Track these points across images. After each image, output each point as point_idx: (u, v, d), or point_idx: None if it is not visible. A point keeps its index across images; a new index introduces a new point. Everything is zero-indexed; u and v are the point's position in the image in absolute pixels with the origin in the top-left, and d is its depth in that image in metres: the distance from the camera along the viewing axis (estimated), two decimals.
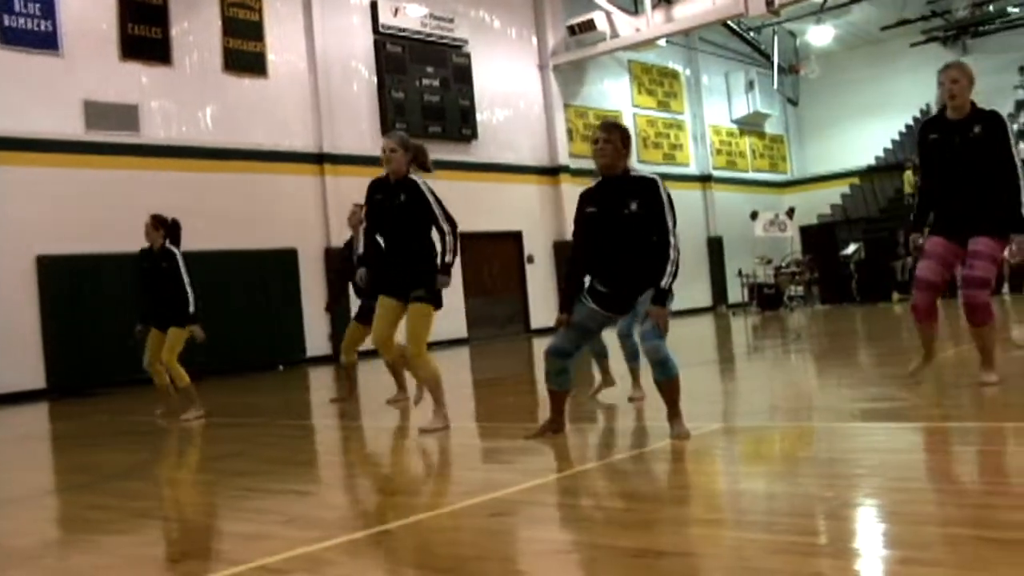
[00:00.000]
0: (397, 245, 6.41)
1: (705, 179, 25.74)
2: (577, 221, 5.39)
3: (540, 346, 16.18)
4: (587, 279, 5.44)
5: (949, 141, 5.88)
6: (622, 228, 5.13)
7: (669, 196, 5.16)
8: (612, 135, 5.18)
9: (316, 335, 16.37)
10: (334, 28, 17.47)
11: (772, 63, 27.08)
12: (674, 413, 5.19)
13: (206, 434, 7.79)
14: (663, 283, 5.07)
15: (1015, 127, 23.95)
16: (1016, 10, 24.39)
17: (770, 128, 28.64)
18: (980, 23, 25.04)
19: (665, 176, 20.49)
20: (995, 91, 24.78)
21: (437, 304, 6.35)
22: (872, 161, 26.92)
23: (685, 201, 23.92)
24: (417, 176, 6.39)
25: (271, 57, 16.52)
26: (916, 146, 6.24)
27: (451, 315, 17.74)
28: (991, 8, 24.58)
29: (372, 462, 6.07)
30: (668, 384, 5.16)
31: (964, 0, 24.33)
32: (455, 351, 16.64)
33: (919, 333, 6.30)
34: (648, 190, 5.13)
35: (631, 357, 6.85)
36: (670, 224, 5.10)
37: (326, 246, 16.72)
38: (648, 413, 6.23)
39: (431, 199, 6.29)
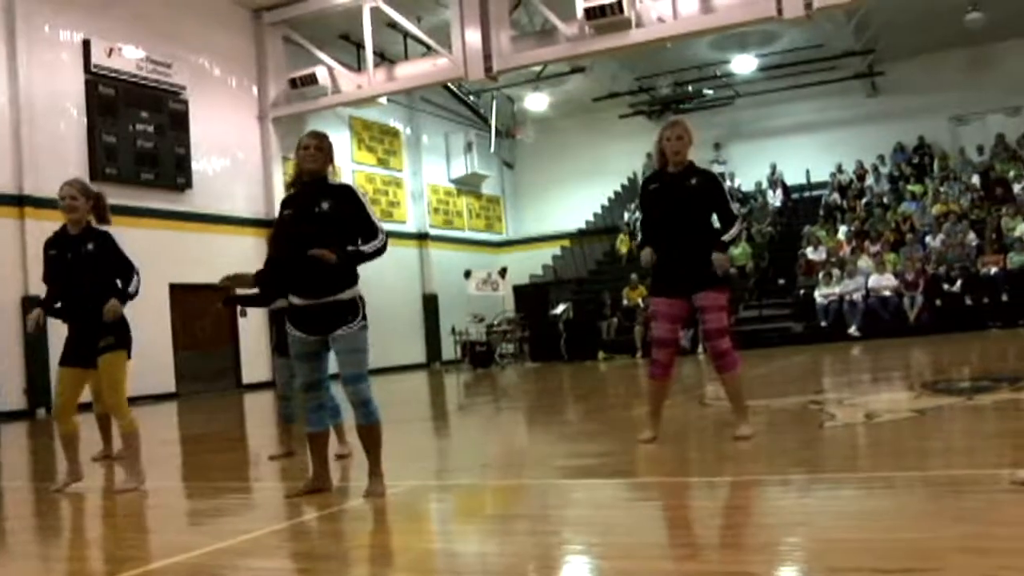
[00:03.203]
0: (82, 300, 6.33)
1: (422, 237, 27.22)
2: (276, 224, 5.64)
3: (252, 401, 16.82)
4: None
5: (668, 191, 6.37)
6: (315, 228, 5.28)
7: (364, 197, 5.47)
8: (323, 142, 5.44)
9: (11, 388, 16.15)
10: (41, 64, 17.44)
11: (490, 126, 29.13)
12: (374, 466, 5.32)
13: None
14: (366, 247, 5.33)
15: None
16: (711, 92, 27.52)
17: (487, 189, 30.63)
18: (681, 100, 28.02)
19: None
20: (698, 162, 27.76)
21: (127, 348, 6.39)
22: (583, 224, 29.27)
23: (401, 258, 25.36)
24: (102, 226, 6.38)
25: None
26: (639, 198, 6.75)
27: (159, 369, 18.07)
28: (690, 88, 27.56)
29: (48, 527, 5.68)
30: (370, 429, 5.31)
31: (667, 79, 27.15)
32: (162, 406, 16.81)
33: (652, 394, 6.65)
34: (343, 193, 5.41)
35: (332, 414, 6.74)
36: (376, 222, 5.37)
37: (24, 295, 16.38)
38: (354, 473, 6.29)
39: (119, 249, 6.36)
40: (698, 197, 6.34)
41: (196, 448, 10.06)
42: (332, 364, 5.49)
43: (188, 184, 19.84)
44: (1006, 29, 23.95)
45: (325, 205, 5.29)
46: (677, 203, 6.33)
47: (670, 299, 6.43)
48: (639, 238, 6.76)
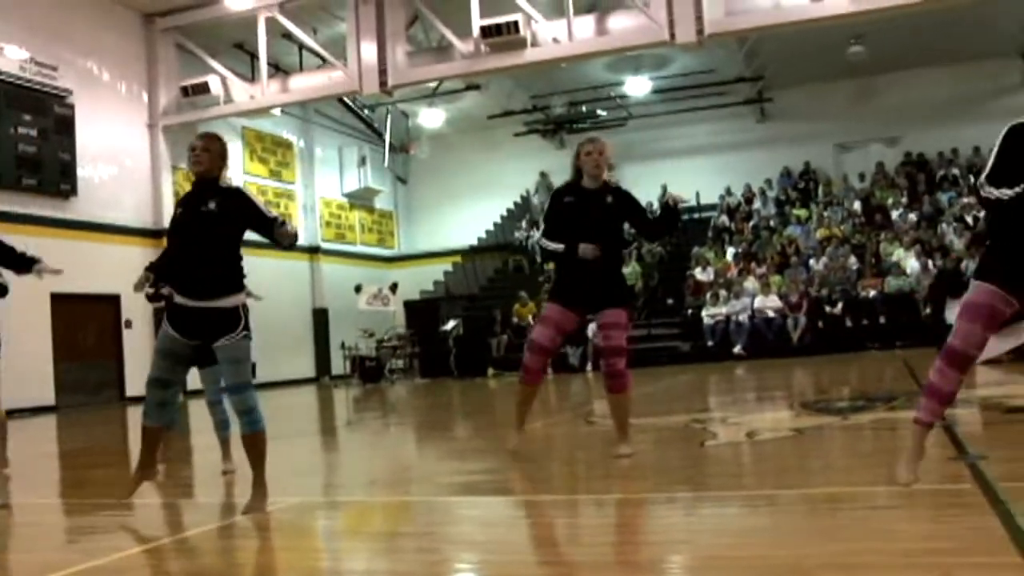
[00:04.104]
0: None
1: (313, 251, 27.02)
2: (171, 224, 5.53)
3: (135, 414, 16.39)
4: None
5: (585, 207, 6.35)
6: (200, 227, 5.26)
7: (255, 197, 5.43)
8: (212, 144, 5.41)
9: None
10: None
11: (385, 141, 29.07)
12: (258, 478, 5.26)
13: None
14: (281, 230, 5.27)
15: None
16: (605, 113, 27.90)
17: (380, 203, 30.54)
18: (575, 120, 28.35)
19: (274, 246, 21.31)
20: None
21: None
22: (475, 241, 29.39)
23: (292, 272, 25.14)
24: None
25: None
26: (548, 208, 6.62)
27: (38, 380, 17.56)
28: (584, 108, 27.91)
29: None
30: (253, 438, 5.26)
31: (561, 99, 27.46)
32: (41, 419, 16.37)
33: (521, 398, 6.67)
34: (232, 193, 5.35)
35: (222, 426, 6.94)
36: (274, 214, 5.32)
37: None
38: (237, 489, 6.16)
39: None
40: (615, 216, 6.42)
41: (74, 463, 9.78)
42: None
43: (73, 191, 19.39)
44: (886, 63, 24.84)
45: (212, 204, 5.24)
46: (594, 220, 6.33)
47: (566, 308, 6.43)
48: (544, 249, 6.59)
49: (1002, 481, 4.59)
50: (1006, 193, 4.08)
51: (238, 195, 5.37)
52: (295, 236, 5.36)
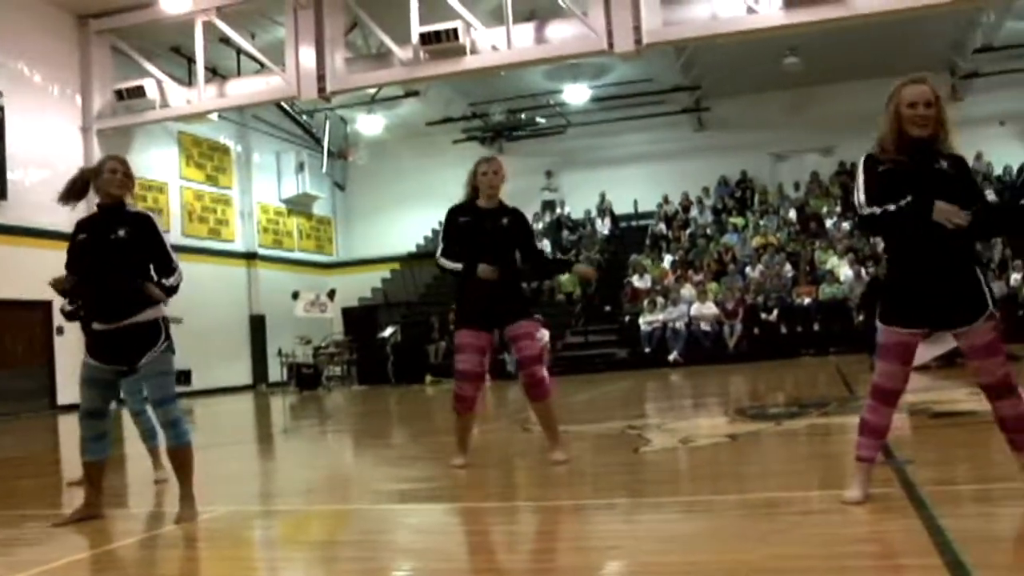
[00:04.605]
0: None
1: (250, 257, 26.79)
2: (70, 249, 5.40)
3: (67, 423, 16.16)
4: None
5: (481, 226, 6.41)
6: (109, 253, 5.20)
7: (161, 229, 5.37)
8: (129, 168, 5.38)
9: None
10: None
11: (323, 147, 28.90)
12: (185, 490, 5.23)
13: None
14: (167, 281, 5.27)
15: (541, 224, 27.38)
16: (544, 120, 28.04)
17: (318, 210, 30.37)
18: (514, 128, 28.45)
19: (210, 252, 21.47)
20: (526, 191, 28.26)
21: None
22: (413, 248, 29.32)
23: (229, 278, 24.94)
24: None
25: None
26: (443, 227, 6.67)
27: None
28: (523, 116, 28.01)
29: None
30: (180, 452, 5.26)
31: (500, 106, 27.53)
32: None
33: (460, 425, 6.67)
34: (141, 222, 5.30)
35: (148, 436, 6.93)
36: (174, 257, 5.32)
37: None
38: (167, 498, 6.08)
39: None
40: (511, 235, 6.48)
41: (1, 473, 9.49)
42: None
43: (3, 195, 19.08)
44: (821, 75, 25.25)
45: (122, 232, 5.19)
46: (490, 239, 6.40)
47: (477, 331, 6.46)
48: (443, 268, 6.62)
49: (927, 485, 4.71)
50: (889, 207, 4.19)
51: (147, 224, 5.33)
52: (175, 291, 5.32)
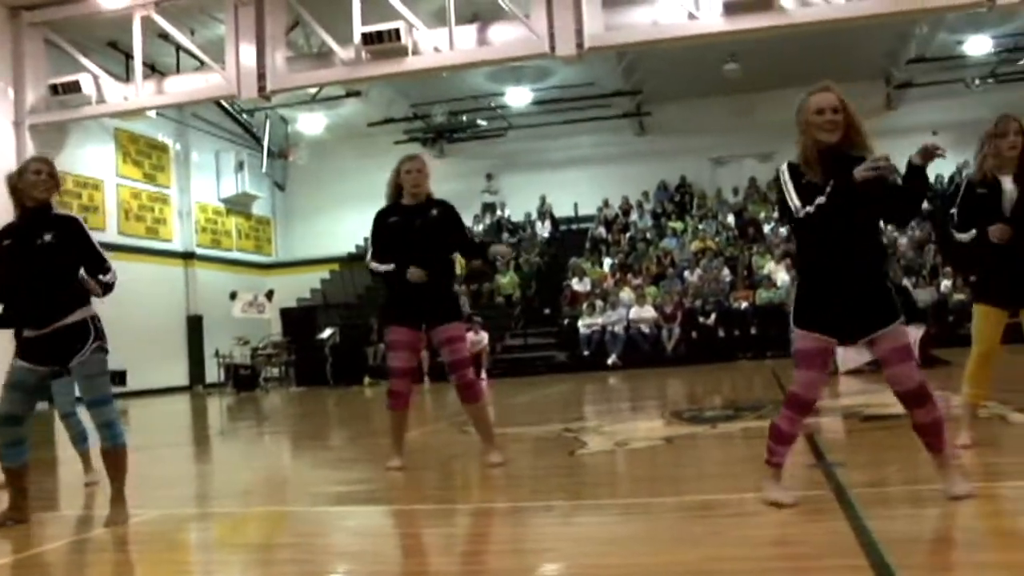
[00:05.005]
0: None
1: (188, 256, 26.48)
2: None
3: None
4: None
5: (409, 224, 6.45)
6: (36, 259, 5.09)
7: (88, 230, 5.25)
8: (54, 169, 5.26)
9: None
10: None
11: (263, 146, 28.66)
12: (117, 492, 5.17)
13: None
14: (103, 278, 5.15)
15: (481, 226, 27.42)
16: (485, 123, 28.07)
17: (257, 210, 30.07)
18: (455, 130, 28.44)
19: (147, 251, 21.14)
20: (466, 193, 28.27)
21: None
22: (353, 249, 29.14)
23: (166, 278, 24.67)
24: None
25: None
26: (372, 232, 6.67)
27: None
28: (465, 118, 28.00)
29: None
30: (114, 453, 5.19)
31: (442, 108, 27.49)
32: None
33: (394, 424, 6.67)
34: (68, 225, 5.20)
35: (79, 439, 6.84)
36: (105, 256, 5.22)
37: None
38: (99, 500, 5.96)
39: None
40: (442, 228, 6.54)
41: None
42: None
43: None
44: (761, 82, 25.51)
45: (48, 237, 5.09)
46: (422, 235, 6.44)
47: (407, 329, 6.51)
48: (374, 272, 6.66)
49: (855, 487, 4.81)
50: (820, 200, 4.24)
51: (74, 226, 5.23)
52: (111, 288, 5.22)
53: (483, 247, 6.98)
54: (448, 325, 6.49)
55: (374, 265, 6.59)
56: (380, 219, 6.65)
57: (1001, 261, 5.62)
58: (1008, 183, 5.64)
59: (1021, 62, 25.07)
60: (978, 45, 24.69)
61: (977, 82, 25.69)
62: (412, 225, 6.46)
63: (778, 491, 4.52)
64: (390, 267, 6.47)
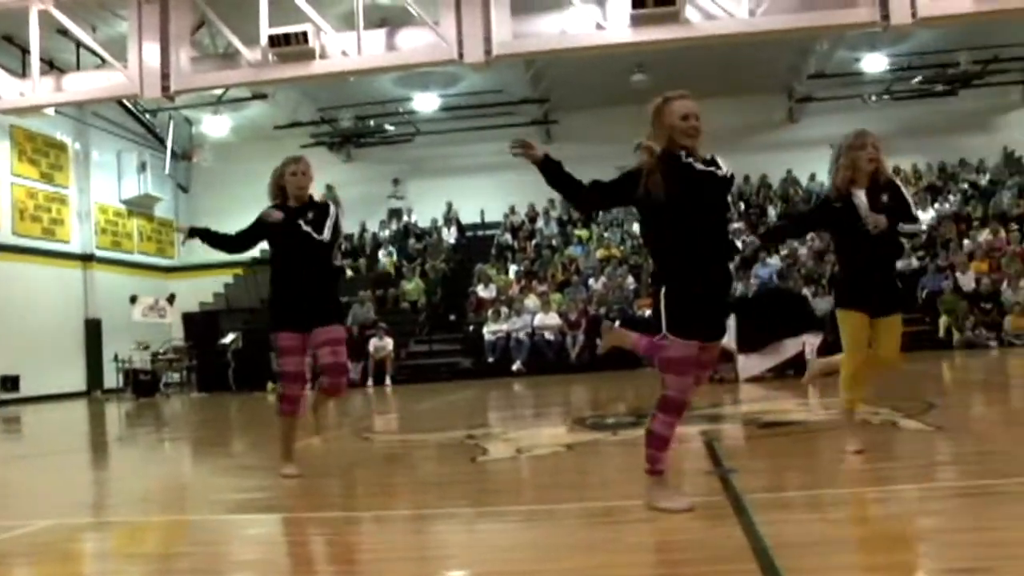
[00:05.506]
0: None
1: (87, 258, 25.90)
2: None
3: None
4: None
5: (294, 227, 6.46)
6: None
7: None
8: None
9: None
10: None
11: (166, 147, 28.18)
12: None
13: None
14: None
15: (388, 232, 27.33)
16: (392, 128, 27.99)
17: (160, 211, 29.54)
18: (362, 134, 28.31)
19: (44, 253, 20.77)
20: (373, 198, 28.20)
21: None
22: (257, 253, 28.68)
23: (63, 280, 24.12)
24: None
25: None
26: (252, 224, 6.80)
27: None
28: (372, 123, 27.90)
29: None
30: None
31: (349, 112, 27.37)
32: None
33: (285, 430, 6.66)
34: None
35: None
36: None
37: None
38: None
39: None
40: (318, 231, 6.50)
41: None
42: None
43: None
44: (668, 92, 25.92)
45: None
46: (303, 239, 6.44)
47: (295, 333, 6.51)
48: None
49: (752, 493, 4.92)
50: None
51: None
52: None
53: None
54: (329, 327, 6.52)
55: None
56: (263, 218, 6.69)
57: (857, 270, 5.94)
58: (861, 196, 5.89)
59: (914, 80, 25.90)
60: (874, 63, 25.50)
61: (874, 98, 26.48)
62: (295, 230, 6.46)
63: (669, 497, 4.59)
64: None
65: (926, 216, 23.05)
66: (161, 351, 23.56)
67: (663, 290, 4.56)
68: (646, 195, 4.61)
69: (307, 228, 6.45)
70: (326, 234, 6.50)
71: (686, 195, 4.57)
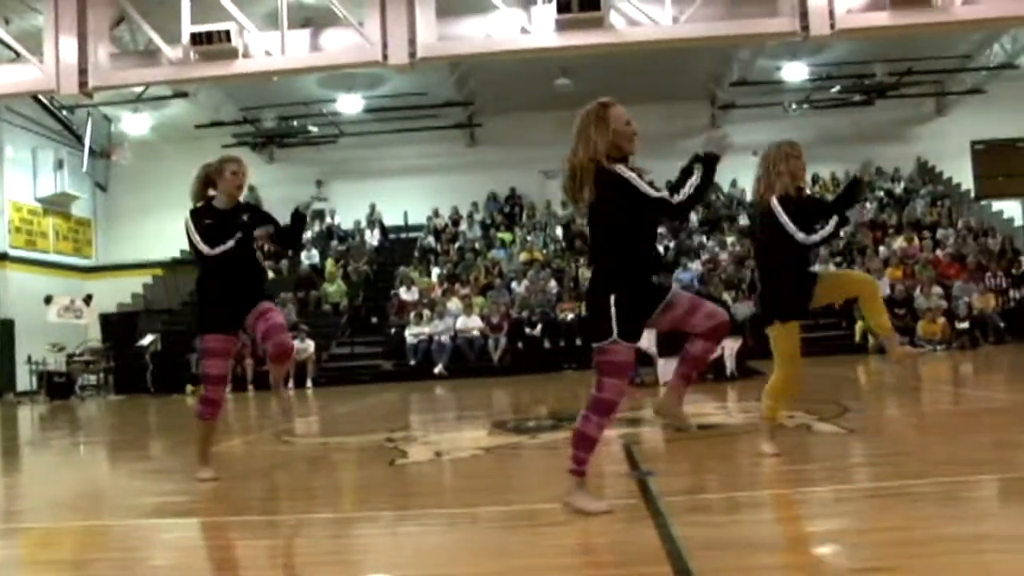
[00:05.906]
0: None
1: (0, 258, 25.27)
2: None
3: None
4: None
5: (225, 227, 6.35)
6: None
7: None
8: None
9: None
10: None
11: (84, 145, 27.64)
12: None
13: None
14: None
15: (310, 234, 27.15)
16: (316, 129, 27.83)
17: (77, 210, 28.95)
18: (285, 135, 28.08)
19: None
20: (295, 199, 27.74)
21: None
22: (177, 253, 28.41)
23: None
24: None
25: None
26: (194, 228, 6.45)
27: None
28: (295, 123, 27.70)
29: None
30: None
31: (272, 112, 27.14)
32: None
33: (203, 434, 6.59)
34: None
35: None
36: None
37: None
38: None
39: None
40: (252, 232, 6.49)
41: None
42: None
43: None
44: (592, 97, 25.74)
45: None
46: (237, 240, 6.35)
47: (225, 336, 6.47)
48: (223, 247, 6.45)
49: (669, 495, 5.01)
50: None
51: None
52: None
53: (299, 219, 6.84)
54: (258, 306, 6.44)
55: (218, 249, 6.33)
56: (197, 219, 6.46)
57: (799, 278, 6.02)
58: (775, 202, 6.04)
59: (833, 90, 26.45)
60: (795, 72, 25.99)
61: (794, 107, 27.00)
62: (228, 230, 6.36)
63: (588, 499, 4.65)
64: (230, 245, 6.32)
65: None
66: (77, 353, 23.15)
67: (613, 297, 4.50)
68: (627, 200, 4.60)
69: (239, 228, 6.36)
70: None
71: (642, 202, 4.59)
